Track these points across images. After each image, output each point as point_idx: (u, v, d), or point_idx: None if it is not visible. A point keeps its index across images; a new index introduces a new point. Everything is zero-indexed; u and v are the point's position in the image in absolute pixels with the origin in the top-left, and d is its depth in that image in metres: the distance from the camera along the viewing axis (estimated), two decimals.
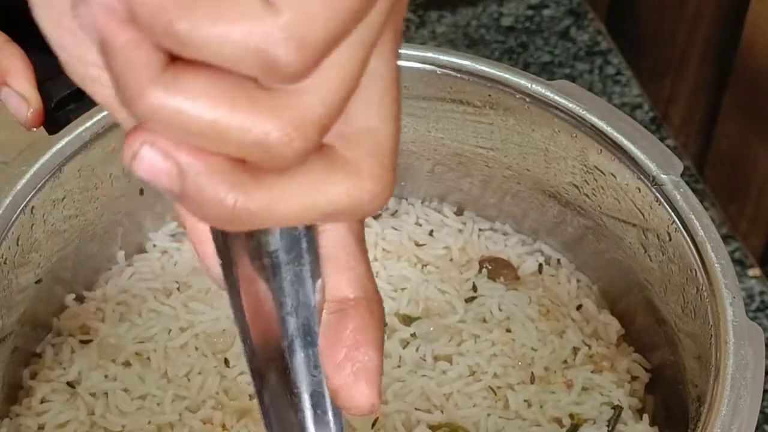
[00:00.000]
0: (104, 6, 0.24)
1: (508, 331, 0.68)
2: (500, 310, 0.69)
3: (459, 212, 0.75)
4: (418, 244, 0.73)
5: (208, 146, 0.25)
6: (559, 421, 0.64)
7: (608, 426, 0.64)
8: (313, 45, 0.24)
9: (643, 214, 0.63)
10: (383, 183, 0.27)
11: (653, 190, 0.62)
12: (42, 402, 0.65)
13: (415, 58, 0.66)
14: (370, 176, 0.27)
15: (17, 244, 0.60)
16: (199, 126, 0.25)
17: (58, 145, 0.62)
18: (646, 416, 0.64)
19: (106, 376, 0.65)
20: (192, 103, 0.25)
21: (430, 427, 0.63)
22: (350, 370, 0.30)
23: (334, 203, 0.27)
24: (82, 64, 0.29)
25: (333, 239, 0.31)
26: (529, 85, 0.65)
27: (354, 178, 0.27)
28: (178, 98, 0.25)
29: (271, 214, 0.26)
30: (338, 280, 0.31)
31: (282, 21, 0.24)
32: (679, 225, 0.60)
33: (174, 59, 0.25)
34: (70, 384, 0.65)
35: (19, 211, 0.60)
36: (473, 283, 0.71)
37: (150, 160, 0.26)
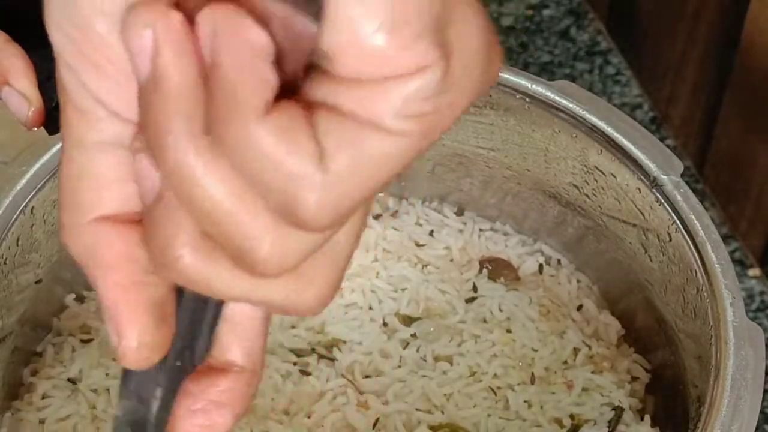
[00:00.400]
0: (175, 39, 0.23)
1: (509, 331, 0.68)
2: (501, 310, 0.69)
3: (459, 212, 0.75)
4: (418, 245, 0.73)
5: (197, 216, 0.25)
6: (559, 422, 0.64)
7: (609, 427, 0.64)
8: (343, 211, 0.24)
9: (643, 215, 0.63)
10: (321, 298, 0.27)
11: (653, 190, 0.62)
12: (43, 398, 0.65)
13: None
14: (312, 287, 0.27)
15: (17, 245, 0.60)
16: (204, 201, 0.24)
17: (58, 145, 0.62)
18: (647, 417, 0.64)
19: (107, 374, 0.65)
20: (211, 180, 0.24)
21: (431, 427, 0.63)
22: (200, 421, 0.30)
23: (270, 300, 0.26)
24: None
25: (244, 308, 0.30)
26: (529, 86, 0.65)
27: (297, 284, 0.26)
28: (202, 167, 0.24)
29: (205, 286, 0.26)
30: (233, 346, 0.30)
31: (326, 178, 0.24)
32: (679, 225, 0.60)
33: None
34: (71, 380, 0.65)
35: (19, 211, 0.60)
36: (473, 283, 0.71)
37: (144, 168, 0.26)
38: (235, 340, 0.30)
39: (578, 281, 0.72)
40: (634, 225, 0.65)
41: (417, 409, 0.64)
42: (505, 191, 0.72)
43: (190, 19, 0.24)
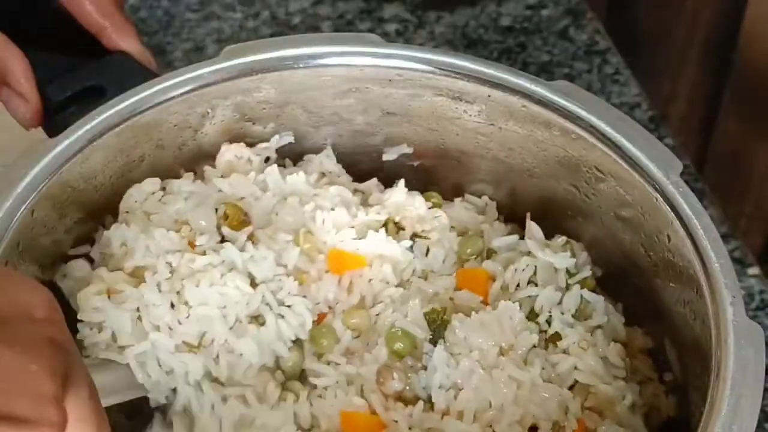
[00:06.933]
0: None
1: None
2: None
3: None
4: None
5: None
6: None
7: None
8: None
9: (642, 214, 0.63)
10: None
11: (653, 189, 0.62)
12: None
13: (414, 58, 0.66)
14: None
15: (17, 247, 0.60)
16: None
17: (58, 148, 0.62)
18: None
19: None
20: None
21: None
22: None
23: None
24: None
25: None
26: (529, 86, 0.65)
27: None
28: None
29: None
30: None
31: None
32: (679, 224, 0.60)
33: None
34: None
35: (19, 213, 0.60)
36: None
37: None
38: None
39: None
40: (634, 225, 0.65)
41: None
42: (504, 191, 0.72)
43: None
